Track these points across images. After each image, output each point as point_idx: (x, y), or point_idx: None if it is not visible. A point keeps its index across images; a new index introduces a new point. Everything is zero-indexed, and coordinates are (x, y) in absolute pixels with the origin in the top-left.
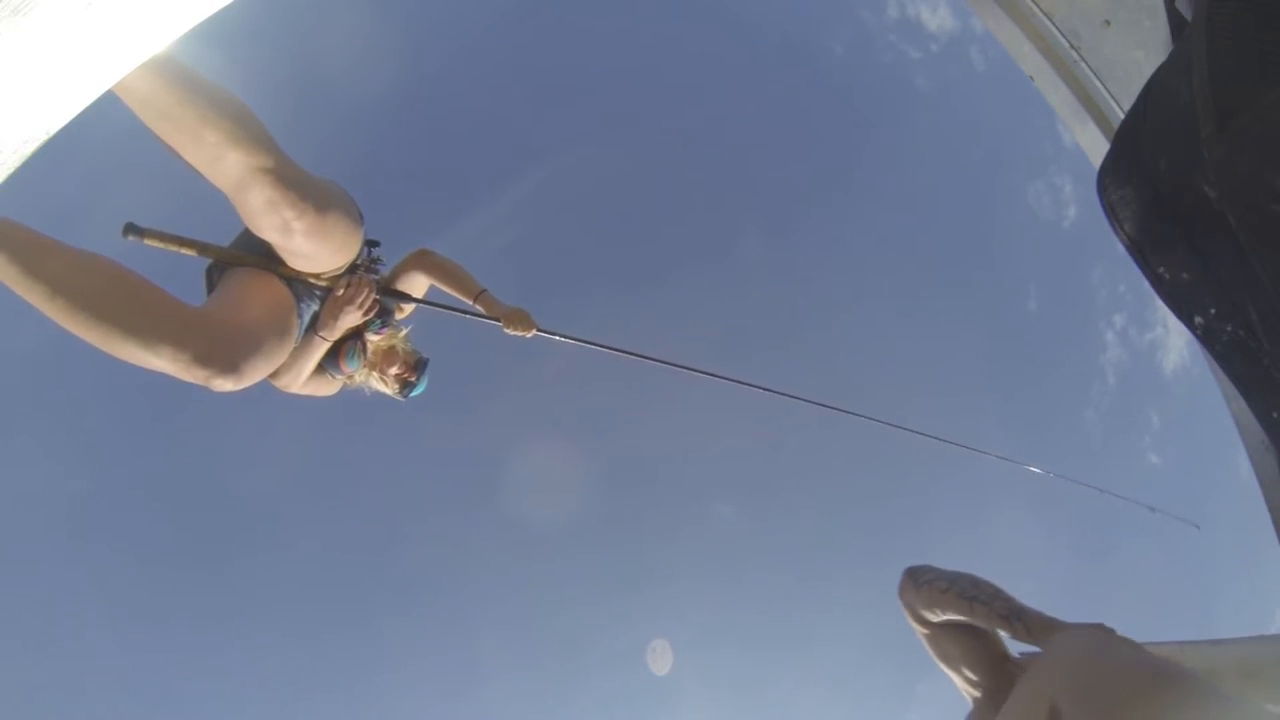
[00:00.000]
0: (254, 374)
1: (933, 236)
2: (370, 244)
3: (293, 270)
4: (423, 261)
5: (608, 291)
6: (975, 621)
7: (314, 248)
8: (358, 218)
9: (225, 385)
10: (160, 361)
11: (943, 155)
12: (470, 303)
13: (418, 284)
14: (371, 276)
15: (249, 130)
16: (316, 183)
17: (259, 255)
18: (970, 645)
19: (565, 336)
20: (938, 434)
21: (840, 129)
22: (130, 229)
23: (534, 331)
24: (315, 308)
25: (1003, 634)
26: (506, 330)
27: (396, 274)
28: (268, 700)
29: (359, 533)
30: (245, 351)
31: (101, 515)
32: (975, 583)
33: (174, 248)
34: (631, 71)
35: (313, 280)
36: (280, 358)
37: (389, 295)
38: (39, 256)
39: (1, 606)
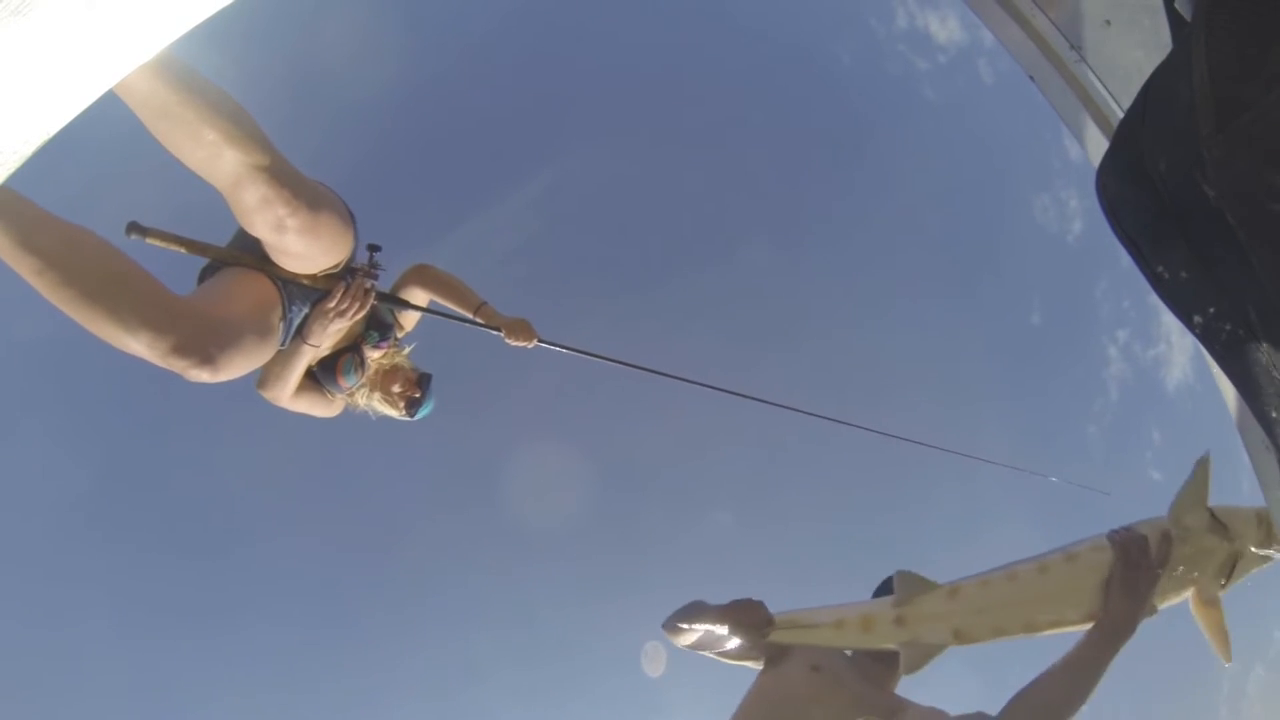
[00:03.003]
0: (229, 368)
1: (937, 248)
2: (372, 248)
3: (286, 272)
4: (421, 276)
5: (609, 299)
6: (711, 628)
7: (305, 246)
8: (349, 218)
9: (200, 376)
10: (138, 346)
11: (949, 166)
12: (471, 315)
13: (417, 300)
14: (369, 283)
15: (246, 130)
16: (310, 182)
17: (255, 256)
18: (734, 642)
19: (567, 347)
20: (923, 440)
21: (847, 138)
22: (133, 228)
23: (535, 342)
24: (307, 310)
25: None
26: (508, 340)
27: (395, 289)
28: (265, 696)
29: (357, 533)
30: (222, 344)
31: (104, 509)
32: (691, 606)
33: (175, 247)
34: (636, 78)
35: (307, 283)
36: (259, 357)
37: (388, 303)
38: (34, 230)
39: (5, 598)
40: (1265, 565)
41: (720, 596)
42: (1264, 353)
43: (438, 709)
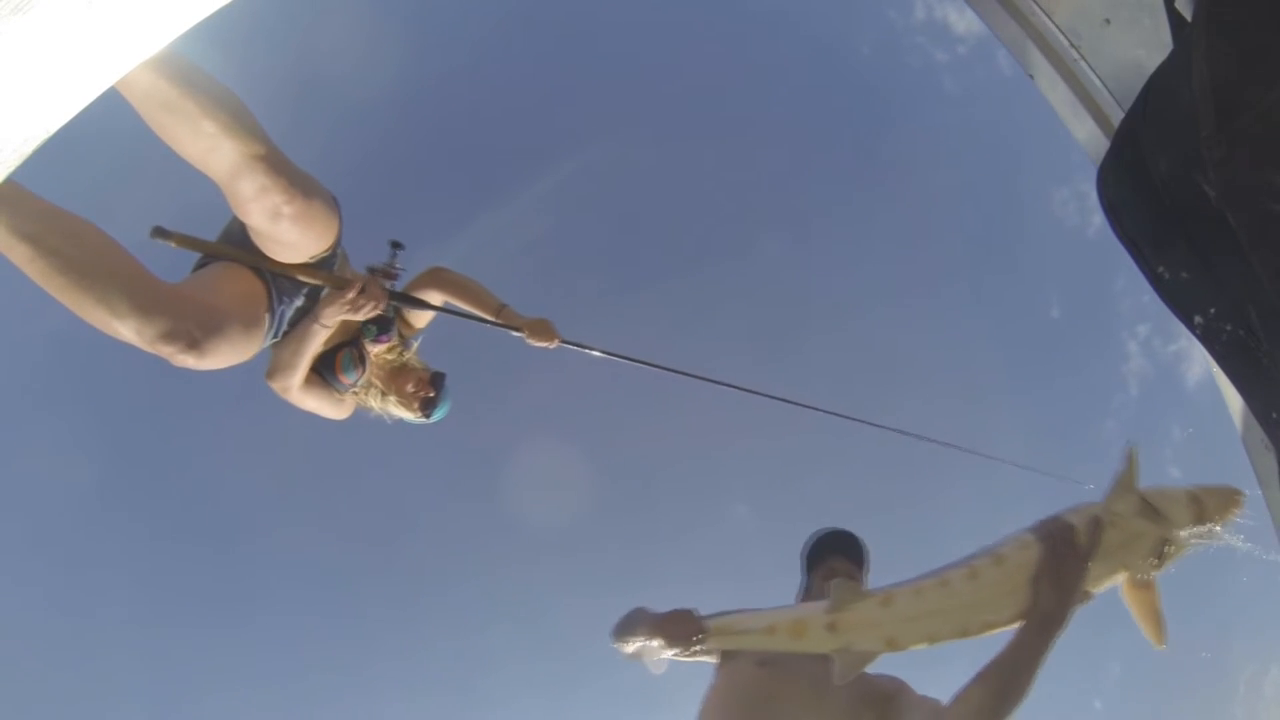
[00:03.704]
0: (215, 354)
1: (956, 241)
2: (395, 245)
3: (277, 264)
4: (438, 279)
5: (624, 296)
6: (647, 643)
7: (298, 233)
8: (336, 207)
9: (186, 361)
10: (126, 331)
11: (968, 159)
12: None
13: (432, 302)
14: (387, 283)
15: (243, 120)
16: (301, 171)
17: (250, 251)
18: (672, 653)
19: (589, 347)
20: (941, 439)
21: (865, 130)
22: (158, 232)
23: (557, 342)
24: (299, 303)
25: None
26: (529, 341)
27: (408, 292)
28: (263, 692)
29: (372, 527)
30: (208, 330)
31: (121, 500)
32: (628, 618)
33: (197, 249)
34: (652, 70)
35: (302, 278)
36: (245, 346)
37: (405, 303)
38: (26, 218)
39: (21, 586)
40: (1197, 546)
41: (733, 590)
42: (1264, 353)
43: (451, 701)
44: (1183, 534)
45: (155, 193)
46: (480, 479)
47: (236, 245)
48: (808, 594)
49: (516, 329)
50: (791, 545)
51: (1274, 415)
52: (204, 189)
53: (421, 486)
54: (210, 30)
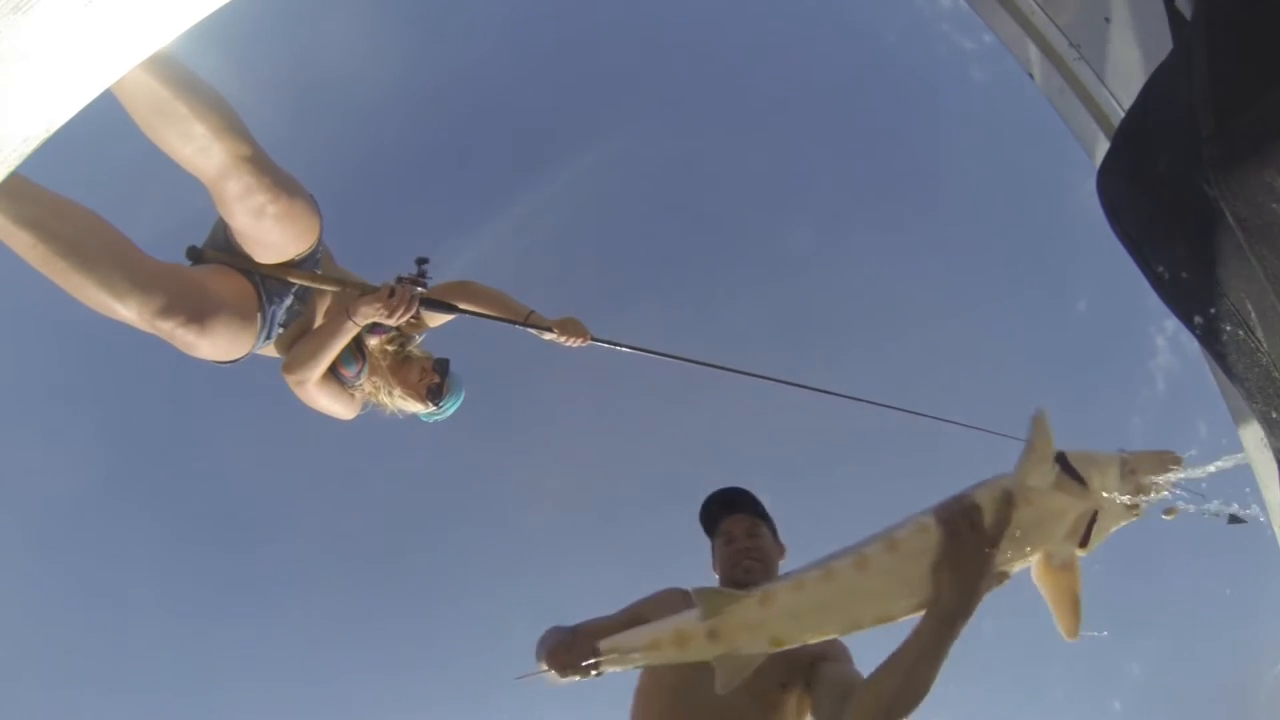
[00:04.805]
0: (213, 333)
1: (983, 233)
2: (420, 261)
3: (264, 266)
4: (465, 290)
5: (642, 289)
6: (550, 672)
7: (280, 232)
8: (317, 209)
9: (187, 337)
10: (127, 312)
11: (995, 150)
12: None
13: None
14: (417, 289)
15: (230, 122)
16: (284, 171)
17: (241, 255)
18: (574, 679)
19: (618, 344)
20: (958, 420)
21: (892, 119)
22: (192, 252)
23: (588, 339)
24: (288, 303)
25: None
26: (561, 340)
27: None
28: (274, 685)
29: (386, 523)
30: (207, 308)
31: (132, 497)
32: (540, 641)
33: (225, 265)
34: (674, 56)
35: (296, 279)
36: (239, 335)
37: (434, 309)
38: (22, 205)
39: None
40: (1132, 519)
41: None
42: (1264, 353)
43: (454, 697)
44: (1113, 505)
45: (148, 191)
46: (499, 476)
47: (221, 249)
48: (713, 557)
49: (547, 329)
50: (805, 538)
51: (1274, 415)
52: (190, 188)
53: (436, 483)
54: (210, 30)
